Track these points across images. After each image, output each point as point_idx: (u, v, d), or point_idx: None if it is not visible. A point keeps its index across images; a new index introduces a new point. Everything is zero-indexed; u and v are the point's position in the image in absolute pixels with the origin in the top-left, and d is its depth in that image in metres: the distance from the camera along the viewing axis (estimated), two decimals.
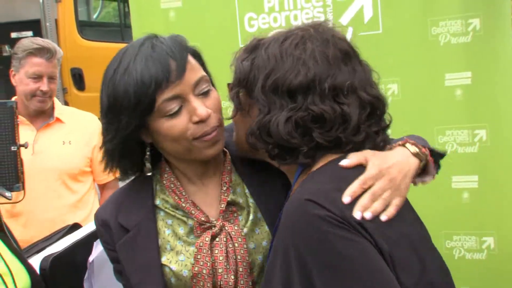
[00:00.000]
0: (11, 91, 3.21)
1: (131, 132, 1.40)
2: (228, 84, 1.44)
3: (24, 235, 2.81)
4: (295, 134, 1.27)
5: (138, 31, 2.69)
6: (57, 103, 3.15)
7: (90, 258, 1.87)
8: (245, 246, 1.44)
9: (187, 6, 2.61)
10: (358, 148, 1.30)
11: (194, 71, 1.40)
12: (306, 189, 1.24)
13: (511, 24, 2.23)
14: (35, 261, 1.86)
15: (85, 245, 1.97)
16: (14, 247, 1.78)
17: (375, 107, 1.33)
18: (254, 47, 1.38)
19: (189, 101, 1.38)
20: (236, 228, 1.46)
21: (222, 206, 1.48)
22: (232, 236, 1.44)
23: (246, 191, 1.52)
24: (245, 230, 1.46)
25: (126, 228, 1.48)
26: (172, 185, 1.51)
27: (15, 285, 1.64)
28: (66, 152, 3.03)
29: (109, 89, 1.40)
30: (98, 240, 1.86)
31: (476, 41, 2.25)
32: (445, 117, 2.33)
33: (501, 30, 2.23)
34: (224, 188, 1.50)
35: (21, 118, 2.95)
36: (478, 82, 2.27)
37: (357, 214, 1.19)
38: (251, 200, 1.51)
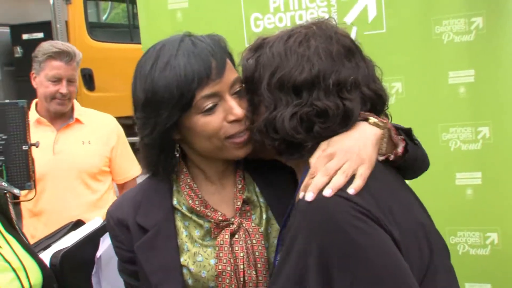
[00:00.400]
0: (23, 91, 3.26)
1: (170, 126, 1.40)
2: None
3: (46, 233, 2.85)
4: (300, 130, 1.29)
5: (146, 32, 2.74)
6: (77, 105, 3.20)
7: (98, 254, 1.88)
8: (262, 242, 1.45)
9: (193, 6, 2.65)
10: None
11: (231, 71, 1.42)
12: None
13: None
14: (43, 258, 1.88)
15: (92, 241, 1.98)
16: (25, 243, 1.81)
17: (375, 104, 1.35)
18: (259, 46, 1.40)
19: (226, 100, 1.39)
20: (253, 225, 1.46)
21: (238, 204, 1.49)
22: (250, 232, 1.45)
23: (257, 189, 1.53)
24: (261, 229, 1.47)
25: (145, 228, 1.47)
26: (187, 187, 1.50)
27: (28, 279, 1.67)
28: (86, 151, 3.07)
29: (147, 84, 1.38)
30: (105, 236, 1.88)
31: (479, 39, 2.27)
32: (448, 115, 2.35)
33: (504, 28, 2.25)
34: (239, 186, 1.51)
35: (41, 119, 3.04)
36: (481, 80, 2.29)
37: (327, 192, 1.19)
38: (261, 200, 1.52)
